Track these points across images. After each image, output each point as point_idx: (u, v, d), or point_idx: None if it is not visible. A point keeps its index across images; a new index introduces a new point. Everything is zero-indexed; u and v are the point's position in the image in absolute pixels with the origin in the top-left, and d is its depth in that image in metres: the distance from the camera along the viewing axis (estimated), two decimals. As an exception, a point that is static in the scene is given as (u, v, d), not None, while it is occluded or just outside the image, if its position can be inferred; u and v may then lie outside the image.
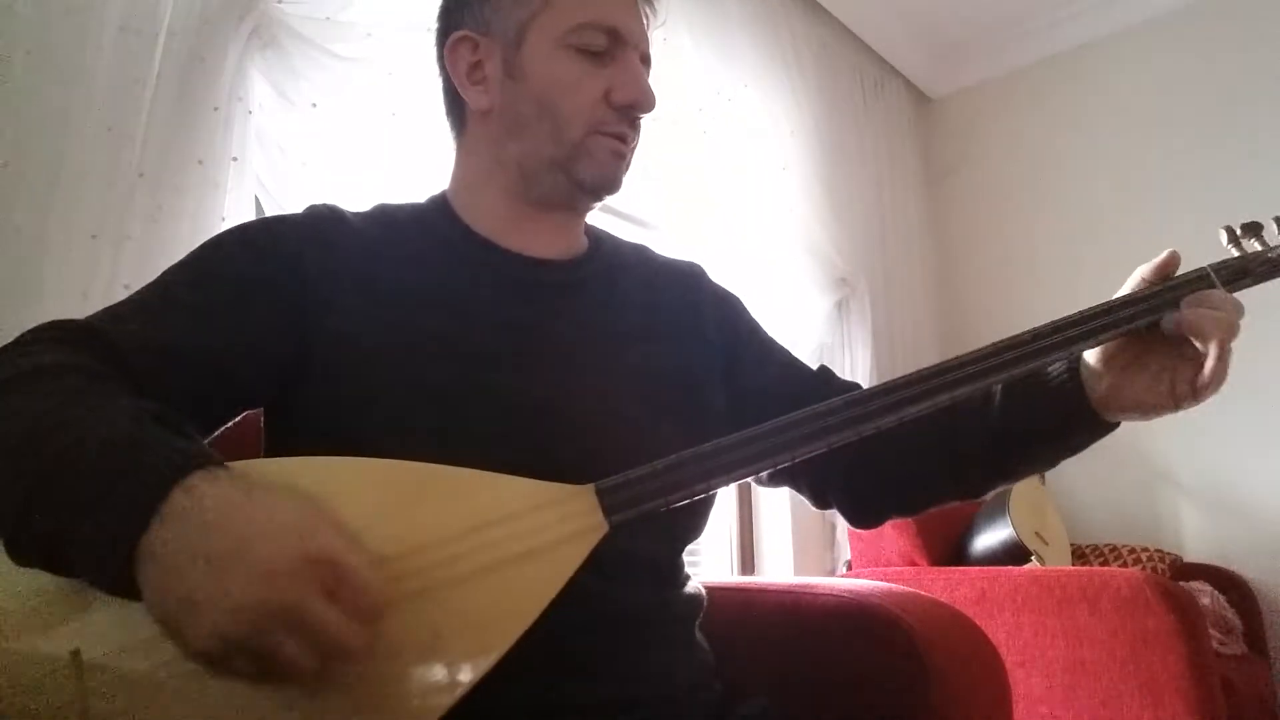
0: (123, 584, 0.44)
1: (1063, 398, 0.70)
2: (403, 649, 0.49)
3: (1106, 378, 0.68)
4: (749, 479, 0.62)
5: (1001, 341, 0.66)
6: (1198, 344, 0.64)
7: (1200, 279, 0.68)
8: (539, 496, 0.56)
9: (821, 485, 0.84)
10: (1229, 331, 0.64)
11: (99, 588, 0.47)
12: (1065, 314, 0.67)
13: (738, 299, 0.90)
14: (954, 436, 0.76)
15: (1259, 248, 0.72)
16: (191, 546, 0.43)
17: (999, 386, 0.73)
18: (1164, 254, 0.70)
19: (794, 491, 0.86)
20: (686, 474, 0.58)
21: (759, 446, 0.60)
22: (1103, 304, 0.68)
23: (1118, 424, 0.70)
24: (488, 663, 0.50)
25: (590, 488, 0.57)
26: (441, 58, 0.78)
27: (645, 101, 0.74)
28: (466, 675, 0.49)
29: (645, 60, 0.78)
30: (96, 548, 0.45)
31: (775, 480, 0.84)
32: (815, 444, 0.60)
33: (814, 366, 0.87)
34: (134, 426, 0.48)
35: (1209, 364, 0.64)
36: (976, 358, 0.65)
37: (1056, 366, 0.71)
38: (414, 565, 0.51)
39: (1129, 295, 0.68)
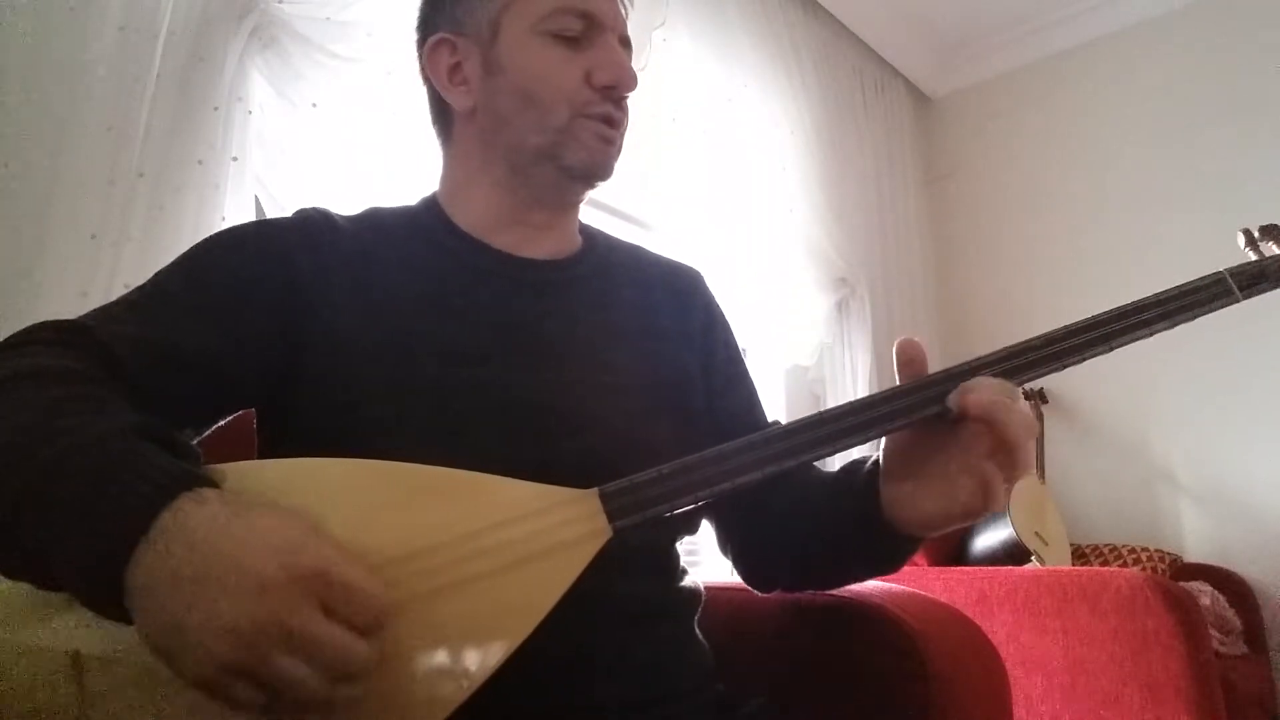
0: (113, 610, 0.44)
1: (862, 499, 0.65)
2: (405, 654, 0.49)
3: (893, 482, 0.62)
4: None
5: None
6: (999, 426, 0.54)
7: (1216, 283, 0.65)
8: (541, 500, 0.55)
9: (725, 534, 0.81)
10: (1012, 398, 0.56)
11: (93, 611, 0.46)
12: (1073, 319, 0.61)
13: (726, 320, 0.88)
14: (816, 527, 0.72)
15: (1278, 251, 0.70)
16: (178, 569, 0.42)
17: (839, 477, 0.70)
18: (895, 348, 0.61)
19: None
20: (692, 479, 0.56)
21: (764, 452, 0.58)
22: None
23: (916, 539, 0.64)
24: (491, 668, 0.49)
25: (594, 492, 0.56)
26: (423, 65, 0.79)
27: (626, 80, 0.73)
28: (470, 680, 0.49)
29: (625, 43, 0.77)
30: (83, 574, 0.44)
31: (703, 512, 0.80)
32: (826, 448, 0.58)
33: (793, 394, 0.85)
34: (121, 444, 0.47)
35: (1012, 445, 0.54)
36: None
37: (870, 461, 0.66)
38: (415, 569, 0.50)
39: (917, 381, 0.59)
